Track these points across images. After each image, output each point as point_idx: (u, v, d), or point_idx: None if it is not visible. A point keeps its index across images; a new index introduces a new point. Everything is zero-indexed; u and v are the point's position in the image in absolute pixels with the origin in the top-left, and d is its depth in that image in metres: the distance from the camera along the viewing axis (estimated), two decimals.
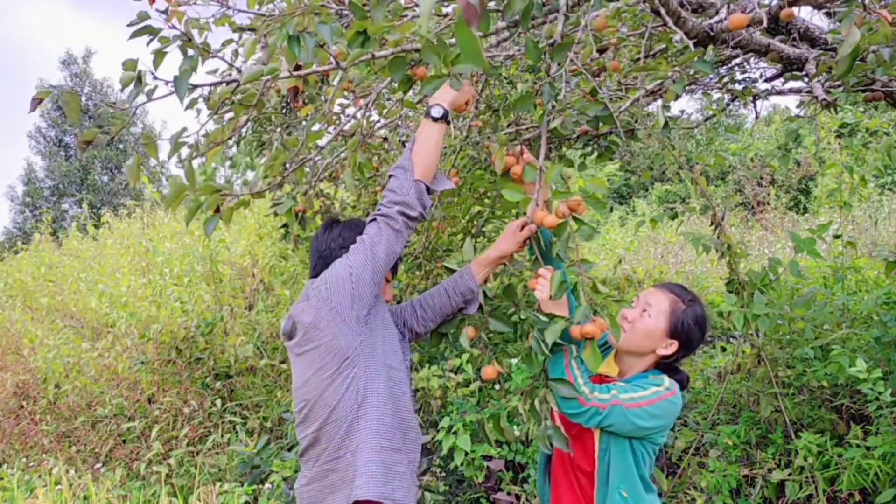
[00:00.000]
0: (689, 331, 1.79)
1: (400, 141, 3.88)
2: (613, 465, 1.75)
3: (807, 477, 3.23)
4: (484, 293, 1.96)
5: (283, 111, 3.18)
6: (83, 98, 24.70)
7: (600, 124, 1.88)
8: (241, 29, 2.02)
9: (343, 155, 2.82)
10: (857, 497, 3.16)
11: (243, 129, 3.28)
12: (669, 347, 1.78)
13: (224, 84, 1.62)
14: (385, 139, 3.83)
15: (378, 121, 3.37)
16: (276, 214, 3.21)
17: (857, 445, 3.17)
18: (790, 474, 3.27)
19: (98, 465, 4.42)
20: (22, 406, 5.22)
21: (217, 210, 1.64)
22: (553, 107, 1.69)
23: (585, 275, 1.58)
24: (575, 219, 1.59)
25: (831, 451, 3.22)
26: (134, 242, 6.79)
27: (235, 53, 1.87)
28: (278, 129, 3.08)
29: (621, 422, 1.66)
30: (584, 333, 1.54)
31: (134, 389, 4.96)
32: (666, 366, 1.84)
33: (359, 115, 2.33)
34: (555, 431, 1.66)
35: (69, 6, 57.65)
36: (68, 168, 24.30)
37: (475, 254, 2.02)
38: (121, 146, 24.42)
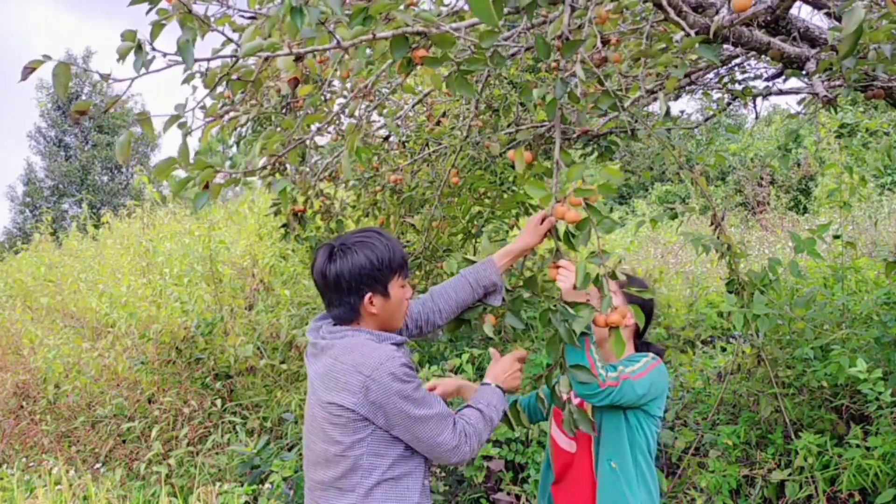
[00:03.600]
0: (640, 296, 1.95)
1: (401, 141, 3.89)
2: (604, 439, 1.87)
3: (807, 477, 3.23)
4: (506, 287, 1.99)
5: (283, 111, 3.18)
6: (83, 98, 24.69)
7: (608, 116, 1.90)
8: (241, 28, 2.02)
9: (344, 164, 2.82)
10: (857, 497, 3.16)
11: (243, 130, 3.27)
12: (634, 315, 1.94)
13: (225, 58, 1.60)
14: (385, 139, 3.83)
15: (378, 120, 3.37)
16: (276, 214, 3.21)
17: (857, 445, 3.16)
18: (790, 474, 3.27)
19: (98, 465, 4.41)
20: (22, 406, 5.21)
21: (206, 186, 1.60)
22: (564, 102, 1.71)
23: (605, 265, 1.66)
24: (591, 208, 1.66)
25: (831, 451, 3.22)
26: (134, 242, 6.78)
27: (237, 45, 1.86)
28: (278, 129, 3.08)
29: (630, 394, 1.79)
30: (609, 322, 1.64)
31: (134, 389, 4.95)
32: (642, 344, 2.04)
33: (355, 102, 2.32)
34: (580, 415, 1.74)
35: (60, 7, 57.79)
36: (68, 168, 24.29)
37: (476, 254, 2.03)
38: None
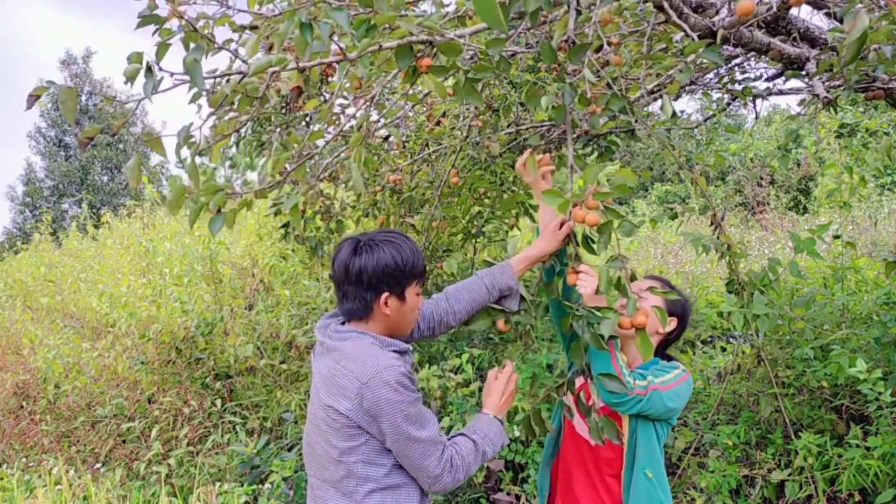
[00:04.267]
0: (681, 305, 1.97)
1: (401, 141, 3.89)
2: (640, 447, 1.84)
3: (807, 477, 3.23)
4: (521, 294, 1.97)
5: (283, 111, 3.18)
6: (83, 98, 24.71)
7: (619, 117, 1.89)
8: (241, 28, 2.02)
9: (343, 155, 2.82)
10: (857, 497, 3.16)
11: (243, 130, 3.28)
12: (671, 324, 1.94)
13: (232, 76, 1.60)
14: (385, 139, 3.83)
15: (378, 120, 3.37)
16: (276, 214, 3.21)
17: (857, 445, 3.16)
18: (790, 474, 3.27)
19: (98, 465, 4.41)
20: (22, 406, 5.21)
21: (220, 210, 1.62)
22: (573, 107, 1.70)
23: (626, 268, 1.64)
24: (609, 210, 1.65)
25: (831, 451, 3.22)
26: (134, 242, 6.78)
27: (235, 53, 1.86)
28: (278, 130, 3.08)
29: (658, 405, 1.78)
30: (635, 324, 1.62)
31: (134, 389, 4.95)
32: (665, 351, 2.02)
33: (360, 112, 2.32)
34: (605, 423, 1.71)
35: (59, 8, 57.95)
36: (68, 168, 24.30)
37: (476, 254, 2.03)
38: (120, 146, 24.43)
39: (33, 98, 1.36)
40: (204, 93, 1.66)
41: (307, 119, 3.22)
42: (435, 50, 1.54)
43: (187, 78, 1.49)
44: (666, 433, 1.91)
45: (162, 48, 1.51)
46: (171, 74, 1.47)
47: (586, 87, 1.71)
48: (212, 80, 1.73)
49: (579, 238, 1.82)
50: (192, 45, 1.51)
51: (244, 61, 1.66)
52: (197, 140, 1.62)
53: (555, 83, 1.71)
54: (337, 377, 1.61)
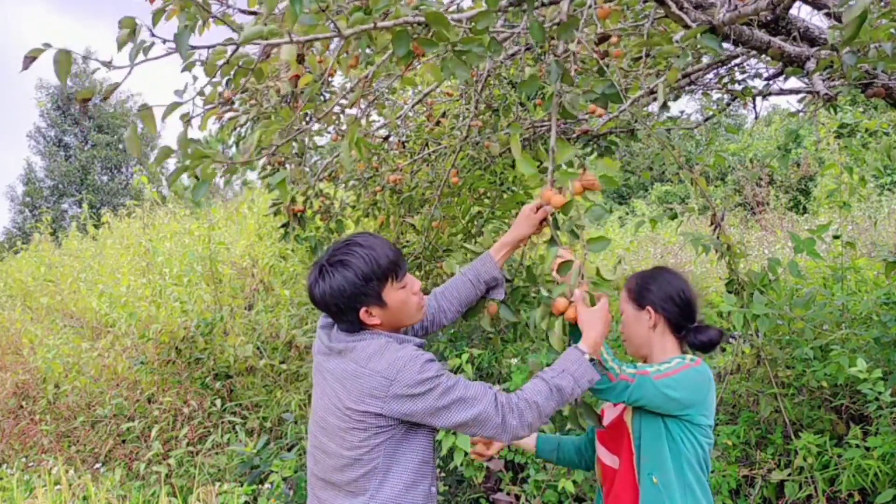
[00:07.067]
0: (645, 289, 1.83)
1: (401, 141, 3.89)
2: (644, 451, 1.73)
3: (806, 477, 3.23)
4: (505, 277, 1.96)
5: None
6: None
7: (608, 104, 1.85)
8: (241, 28, 2.02)
9: (343, 155, 2.82)
10: (857, 497, 3.16)
11: (243, 130, 3.28)
12: (651, 317, 1.81)
13: (226, 46, 1.58)
14: (385, 139, 3.83)
15: (378, 120, 3.37)
16: (276, 214, 3.21)
17: (857, 446, 3.16)
18: (790, 474, 3.27)
19: (98, 465, 4.41)
20: (22, 406, 5.21)
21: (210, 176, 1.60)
22: (560, 86, 1.68)
23: (588, 256, 1.60)
24: (587, 199, 1.61)
25: (831, 451, 3.22)
26: (134, 242, 6.79)
27: (235, 50, 1.85)
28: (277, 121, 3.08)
29: (652, 393, 1.64)
30: (556, 310, 1.56)
31: (134, 389, 4.96)
32: (690, 340, 1.84)
33: (358, 94, 2.31)
34: (585, 408, 1.65)
35: (51, 8, 58.13)
36: (68, 168, 24.29)
37: (476, 248, 2.02)
38: (121, 146, 24.43)
39: (29, 59, 1.36)
40: (198, 63, 1.64)
41: (307, 119, 3.22)
42: (429, 30, 1.52)
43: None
44: (687, 434, 1.71)
45: (157, 14, 1.49)
46: (164, 41, 1.45)
47: (570, 65, 1.69)
48: (207, 52, 1.71)
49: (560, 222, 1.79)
50: (185, 10, 1.50)
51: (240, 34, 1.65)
52: (188, 110, 1.61)
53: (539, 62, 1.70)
54: (360, 378, 1.58)
